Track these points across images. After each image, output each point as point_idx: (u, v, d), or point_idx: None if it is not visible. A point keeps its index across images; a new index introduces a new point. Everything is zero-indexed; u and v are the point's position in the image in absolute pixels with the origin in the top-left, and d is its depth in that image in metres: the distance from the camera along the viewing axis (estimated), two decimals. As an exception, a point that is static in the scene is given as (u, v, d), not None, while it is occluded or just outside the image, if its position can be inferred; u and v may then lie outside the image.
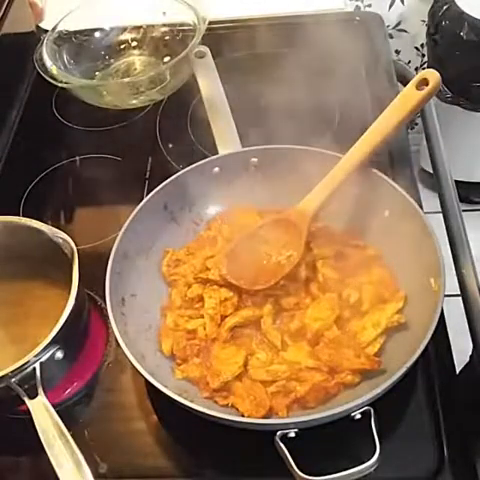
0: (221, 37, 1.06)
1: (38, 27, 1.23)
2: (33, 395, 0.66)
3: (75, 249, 0.72)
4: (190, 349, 0.73)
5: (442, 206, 0.87)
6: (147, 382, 0.66)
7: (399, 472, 0.67)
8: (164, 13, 1.12)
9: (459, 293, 0.77)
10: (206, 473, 0.70)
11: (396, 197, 0.77)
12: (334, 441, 0.66)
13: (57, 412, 0.65)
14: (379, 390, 0.61)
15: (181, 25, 1.09)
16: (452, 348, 0.75)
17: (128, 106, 1.06)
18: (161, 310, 0.79)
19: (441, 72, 0.71)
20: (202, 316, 0.76)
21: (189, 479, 0.70)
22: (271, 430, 0.62)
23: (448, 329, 0.75)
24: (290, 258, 0.77)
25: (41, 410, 0.65)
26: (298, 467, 0.60)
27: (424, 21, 1.68)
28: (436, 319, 0.65)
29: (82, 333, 0.76)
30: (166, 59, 1.10)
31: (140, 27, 1.14)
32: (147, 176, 0.99)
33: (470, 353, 0.77)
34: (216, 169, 0.85)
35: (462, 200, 0.87)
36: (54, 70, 1.02)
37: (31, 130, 1.11)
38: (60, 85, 1.00)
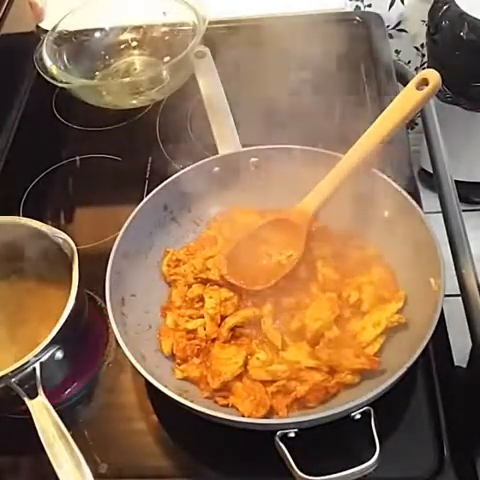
0: (221, 37, 1.06)
1: (38, 27, 1.23)
2: (33, 395, 0.66)
3: (75, 249, 0.72)
4: (190, 349, 0.73)
5: (442, 206, 0.87)
6: (147, 382, 0.66)
7: (399, 472, 0.67)
8: (164, 13, 1.12)
9: (459, 293, 0.77)
10: (206, 473, 0.70)
11: (396, 197, 0.77)
12: (334, 441, 0.66)
13: (57, 412, 0.65)
14: (379, 390, 0.61)
15: (181, 25, 1.10)
16: (452, 348, 0.75)
17: (128, 106, 1.06)
18: (161, 310, 0.79)
19: (441, 72, 0.71)
20: (202, 316, 0.76)
21: (189, 479, 0.70)
22: (271, 430, 0.62)
23: (448, 329, 0.75)
24: (290, 258, 0.77)
25: (41, 410, 0.65)
26: (298, 467, 0.60)
27: (424, 21, 1.68)
28: (436, 319, 0.65)
29: (82, 333, 0.76)
30: (166, 59, 1.10)
31: (140, 27, 1.15)
32: (147, 176, 0.99)
33: (469, 351, 0.77)
34: (216, 169, 0.85)
35: (462, 200, 0.87)
36: (54, 70, 1.02)
37: (31, 130, 1.11)
38: (60, 85, 1.01)
